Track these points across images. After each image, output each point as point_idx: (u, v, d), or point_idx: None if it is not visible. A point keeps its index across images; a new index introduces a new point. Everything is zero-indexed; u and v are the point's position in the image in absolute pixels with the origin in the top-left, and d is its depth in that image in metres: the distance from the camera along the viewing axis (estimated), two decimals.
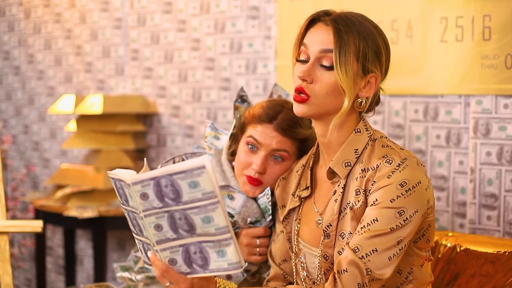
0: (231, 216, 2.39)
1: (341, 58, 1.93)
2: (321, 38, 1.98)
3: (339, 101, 1.97)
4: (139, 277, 2.56)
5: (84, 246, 4.82)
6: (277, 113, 2.35)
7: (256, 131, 2.36)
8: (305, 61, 2.00)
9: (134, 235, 1.89)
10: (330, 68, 1.95)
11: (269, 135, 2.34)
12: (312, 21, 2.03)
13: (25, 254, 5.18)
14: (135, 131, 4.31)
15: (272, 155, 2.35)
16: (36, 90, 5.08)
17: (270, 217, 2.37)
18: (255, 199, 2.39)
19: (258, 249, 2.39)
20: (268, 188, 2.35)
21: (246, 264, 2.39)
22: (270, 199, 2.34)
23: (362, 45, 1.95)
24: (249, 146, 2.37)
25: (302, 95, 1.97)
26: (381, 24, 3.05)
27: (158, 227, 1.76)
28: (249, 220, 2.38)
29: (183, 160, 2.50)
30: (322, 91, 1.96)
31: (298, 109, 2.00)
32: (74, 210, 4.00)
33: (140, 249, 1.90)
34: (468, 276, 2.51)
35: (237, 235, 2.42)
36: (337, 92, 1.96)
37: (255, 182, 2.37)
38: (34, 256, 4.61)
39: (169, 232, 1.76)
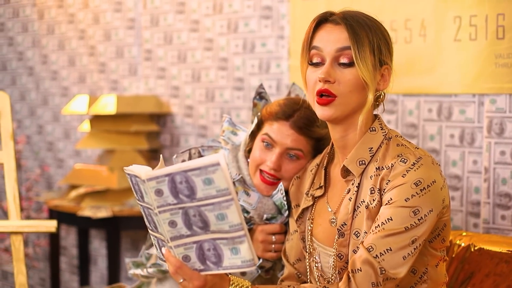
0: (247, 212, 2.39)
1: (360, 53, 1.93)
2: (334, 38, 1.98)
3: (362, 97, 1.98)
4: (151, 270, 2.55)
5: (98, 246, 4.83)
6: (294, 111, 2.35)
7: (271, 129, 2.36)
8: (319, 63, 2.00)
9: (149, 231, 1.90)
10: (349, 64, 1.95)
11: (284, 133, 2.34)
12: (318, 23, 2.03)
13: (39, 254, 5.20)
14: (149, 131, 4.32)
15: (287, 153, 2.35)
16: (50, 91, 5.10)
17: (287, 212, 2.36)
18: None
19: (273, 246, 2.39)
20: (281, 183, 2.35)
21: (261, 260, 2.39)
22: (284, 194, 2.34)
23: (375, 39, 1.97)
24: (265, 143, 2.38)
25: (327, 96, 1.97)
26: (394, 23, 3.07)
27: (173, 224, 1.76)
28: (265, 216, 2.39)
29: (199, 152, 2.51)
30: (347, 89, 1.96)
31: (325, 112, 1.98)
32: (88, 210, 4.01)
33: (155, 245, 1.91)
34: (483, 276, 2.50)
35: (252, 231, 2.42)
36: (360, 88, 1.96)
37: (270, 181, 2.37)
38: (48, 256, 4.63)
39: (183, 229, 1.77)
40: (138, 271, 2.63)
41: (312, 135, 2.34)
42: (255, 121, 2.47)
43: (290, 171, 2.35)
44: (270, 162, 2.34)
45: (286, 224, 2.41)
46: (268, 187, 2.38)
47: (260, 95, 2.53)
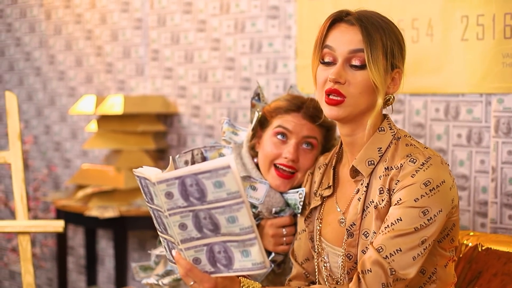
0: (255, 207, 2.39)
1: (373, 57, 1.93)
2: (347, 38, 1.97)
3: (371, 99, 1.98)
4: (165, 281, 2.55)
5: (105, 246, 4.84)
6: (302, 103, 2.40)
7: (285, 121, 2.39)
8: (331, 63, 1.99)
9: (158, 233, 1.90)
10: (361, 67, 1.95)
11: (299, 123, 2.37)
12: (333, 22, 2.03)
13: (47, 254, 5.21)
14: (156, 131, 4.32)
15: (303, 143, 2.37)
16: (57, 91, 5.10)
17: (299, 214, 2.36)
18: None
19: (284, 239, 2.40)
20: (304, 189, 2.34)
21: (273, 254, 2.40)
22: (302, 199, 2.33)
23: (389, 42, 1.96)
24: (279, 136, 2.39)
25: (335, 97, 1.96)
26: (401, 22, 3.07)
27: (183, 226, 1.76)
28: (274, 210, 2.39)
29: (201, 153, 2.51)
30: (357, 91, 1.96)
31: (333, 112, 1.98)
32: (95, 210, 4.02)
33: (165, 247, 1.91)
34: (490, 275, 2.50)
35: (260, 226, 2.42)
36: (370, 91, 1.96)
37: (287, 175, 2.37)
38: (56, 256, 4.64)
39: (194, 231, 1.76)
40: (151, 280, 2.63)
41: (323, 123, 2.39)
42: (256, 115, 2.48)
43: (306, 163, 2.38)
44: (289, 153, 2.36)
45: (295, 215, 2.41)
46: (285, 181, 2.39)
47: (259, 96, 2.54)
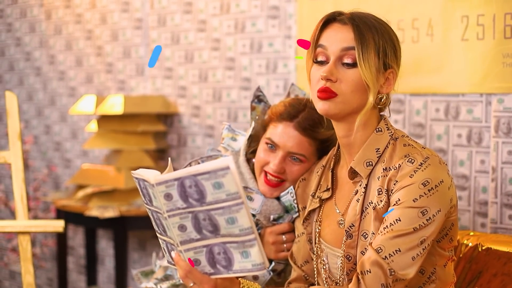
0: (253, 215, 2.38)
1: (364, 54, 1.94)
2: (340, 37, 1.98)
3: (363, 98, 1.98)
4: (164, 286, 2.55)
5: (105, 246, 4.84)
6: (299, 112, 2.34)
7: (275, 131, 2.35)
8: (323, 62, 2.00)
9: (157, 234, 1.90)
10: (353, 65, 1.96)
11: (288, 135, 2.33)
12: (326, 22, 2.03)
13: (47, 253, 5.21)
14: (156, 131, 4.32)
15: (289, 156, 2.34)
16: (57, 91, 5.10)
17: (297, 214, 2.36)
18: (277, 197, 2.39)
19: (285, 245, 2.39)
20: (292, 186, 2.34)
21: (273, 263, 2.39)
22: (294, 196, 2.33)
23: (381, 41, 1.97)
24: (268, 145, 2.37)
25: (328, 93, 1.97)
26: (401, 22, 3.07)
27: (182, 228, 1.76)
28: (272, 217, 2.38)
29: (198, 164, 2.50)
30: (348, 89, 1.96)
31: (324, 106, 1.98)
32: (95, 210, 4.02)
33: (164, 249, 1.91)
34: (490, 275, 2.50)
35: (261, 235, 2.41)
36: (362, 89, 1.96)
37: (274, 183, 2.37)
38: (56, 255, 4.64)
39: (193, 233, 1.76)
40: (150, 284, 2.62)
41: (317, 136, 2.33)
42: (253, 125, 2.47)
43: (294, 173, 2.35)
44: (273, 164, 2.34)
45: (293, 222, 2.41)
46: (272, 189, 2.38)
47: (259, 98, 2.53)
